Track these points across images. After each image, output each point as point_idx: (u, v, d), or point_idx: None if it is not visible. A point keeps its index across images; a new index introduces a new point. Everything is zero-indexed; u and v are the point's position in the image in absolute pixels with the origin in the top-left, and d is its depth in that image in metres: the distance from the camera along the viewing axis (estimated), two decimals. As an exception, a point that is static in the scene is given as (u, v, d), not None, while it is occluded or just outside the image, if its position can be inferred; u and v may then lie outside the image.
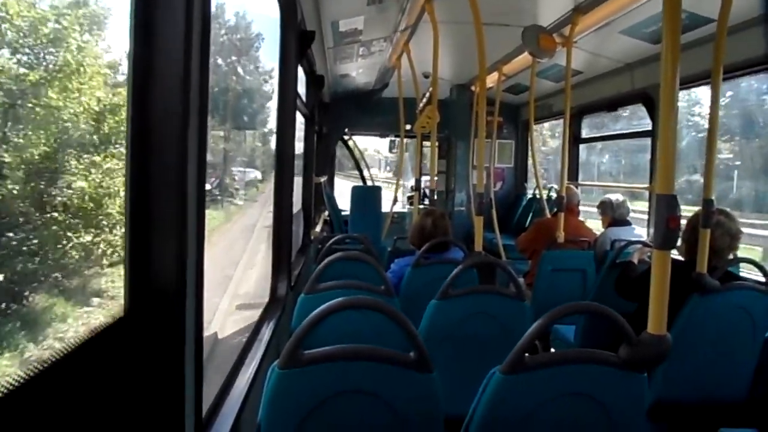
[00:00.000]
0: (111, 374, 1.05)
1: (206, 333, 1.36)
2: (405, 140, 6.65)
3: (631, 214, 4.25)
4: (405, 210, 7.46)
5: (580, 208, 4.82)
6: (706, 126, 2.71)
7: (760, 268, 2.55)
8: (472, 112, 6.16)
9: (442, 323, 2.25)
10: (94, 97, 1.80)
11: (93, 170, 1.79)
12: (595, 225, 4.67)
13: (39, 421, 0.82)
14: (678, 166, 1.78)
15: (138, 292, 1.10)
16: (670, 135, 1.69)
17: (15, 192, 1.46)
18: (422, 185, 5.58)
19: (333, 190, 7.61)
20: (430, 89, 4.66)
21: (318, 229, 6.19)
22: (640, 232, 4.13)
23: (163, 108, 1.09)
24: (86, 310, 1.71)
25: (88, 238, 1.76)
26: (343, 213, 6.58)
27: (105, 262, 1.81)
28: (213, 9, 1.29)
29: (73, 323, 1.62)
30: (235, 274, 4.50)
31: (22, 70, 1.50)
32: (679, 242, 2.70)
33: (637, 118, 5.42)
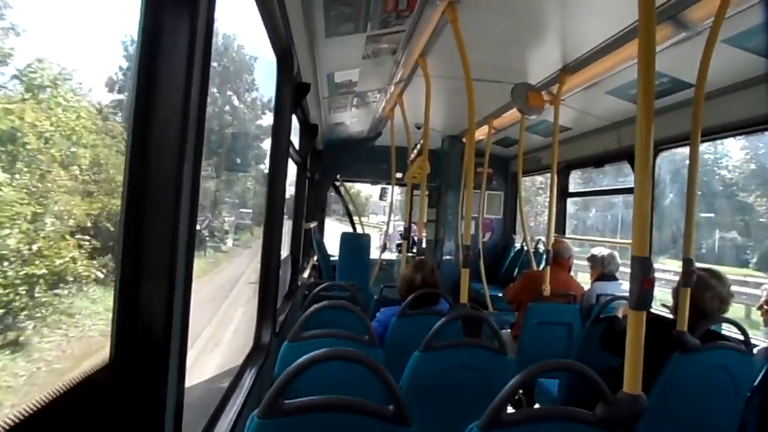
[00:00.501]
0: (94, 420, 1.04)
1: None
2: (396, 188, 6.72)
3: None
4: (394, 257, 7.47)
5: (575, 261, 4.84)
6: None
7: (739, 327, 2.57)
8: (463, 163, 6.27)
9: (424, 375, 2.23)
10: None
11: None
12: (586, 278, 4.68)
13: None
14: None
15: (124, 340, 1.10)
16: (645, 197, 1.74)
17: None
18: (411, 233, 5.60)
19: (323, 236, 7.61)
20: (422, 140, 4.76)
21: (306, 274, 6.16)
22: (627, 287, 4.14)
23: (158, 162, 1.12)
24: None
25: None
26: (332, 258, 6.57)
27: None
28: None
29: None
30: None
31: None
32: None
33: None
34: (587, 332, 3.36)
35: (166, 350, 1.14)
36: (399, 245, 6.97)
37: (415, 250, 5.56)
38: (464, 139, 6.67)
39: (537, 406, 3.67)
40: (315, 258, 6.96)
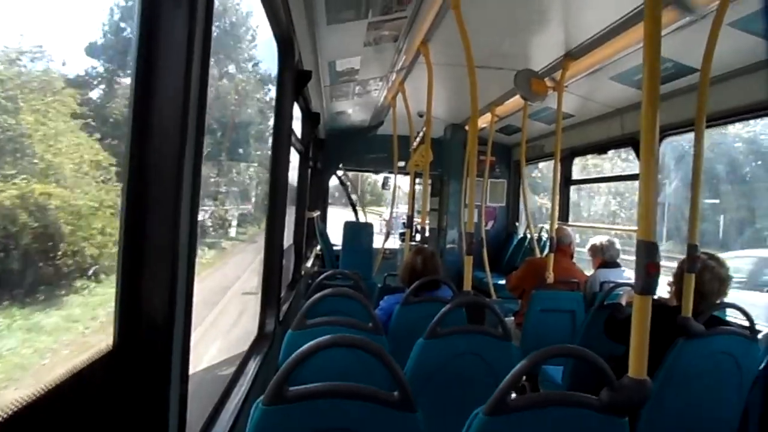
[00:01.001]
0: (96, 408, 1.04)
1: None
2: (399, 177, 6.72)
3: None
4: (397, 246, 7.48)
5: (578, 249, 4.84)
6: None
7: (745, 313, 2.57)
8: (466, 151, 6.25)
9: (429, 362, 2.23)
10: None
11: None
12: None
13: None
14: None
15: (127, 326, 1.10)
16: (651, 182, 1.72)
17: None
18: (414, 222, 5.60)
19: (326, 225, 7.62)
20: (424, 128, 4.74)
21: (309, 263, 6.17)
22: (630, 274, 4.15)
23: (160, 154, 1.12)
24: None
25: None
26: (335, 248, 6.58)
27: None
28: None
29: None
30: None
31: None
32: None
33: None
34: (591, 319, 3.36)
35: (169, 337, 1.14)
36: (402, 234, 6.98)
37: (418, 239, 5.57)
38: (467, 127, 6.66)
39: (541, 391, 3.68)
40: (318, 247, 6.97)
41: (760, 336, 2.52)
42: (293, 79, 3.12)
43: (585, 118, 5.10)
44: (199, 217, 1.24)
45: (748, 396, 2.49)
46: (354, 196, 8.11)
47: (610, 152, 5.55)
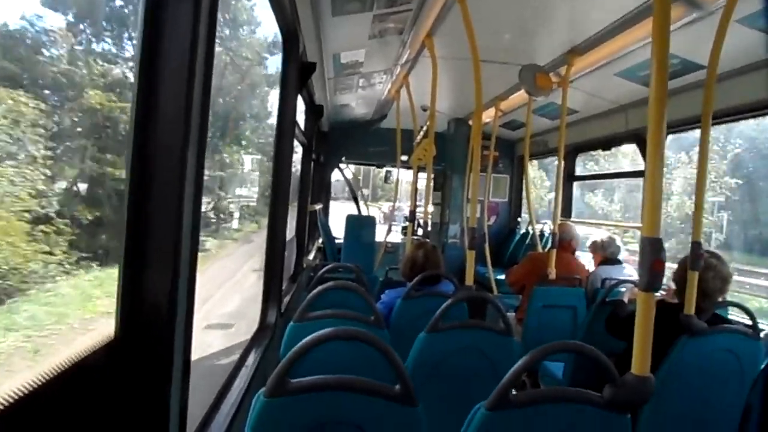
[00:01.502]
0: (97, 397, 1.04)
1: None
2: (401, 171, 6.71)
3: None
4: (399, 240, 7.48)
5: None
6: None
7: (747, 311, 2.57)
8: (469, 146, 6.24)
9: (430, 356, 2.24)
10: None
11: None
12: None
13: None
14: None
15: (129, 317, 1.10)
16: (657, 178, 1.71)
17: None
18: (417, 216, 5.60)
19: (328, 218, 7.62)
20: (428, 122, 4.72)
21: (311, 256, 6.18)
22: (631, 270, 4.15)
23: (163, 145, 1.12)
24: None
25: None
26: (337, 241, 6.58)
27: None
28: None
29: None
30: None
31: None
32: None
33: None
34: (592, 316, 3.36)
35: (171, 327, 1.14)
36: (404, 228, 6.98)
37: (420, 233, 5.58)
38: (470, 122, 6.64)
39: (542, 387, 3.69)
40: (320, 240, 6.97)
41: (762, 335, 2.52)
42: (297, 71, 3.11)
43: (589, 114, 5.08)
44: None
45: (749, 394, 2.49)
46: (365, 191, 8.10)
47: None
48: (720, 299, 2.62)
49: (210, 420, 1.79)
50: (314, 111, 4.99)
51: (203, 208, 1.34)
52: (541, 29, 3.72)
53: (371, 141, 7.44)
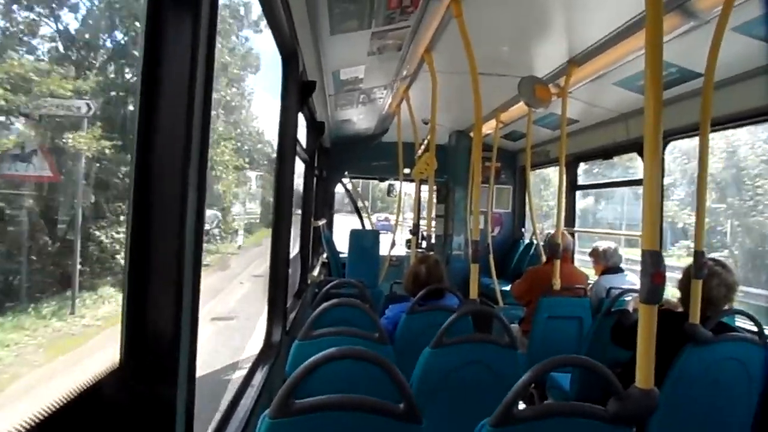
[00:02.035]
0: (104, 423, 1.05)
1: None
2: (404, 184, 6.72)
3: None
4: (403, 253, 7.47)
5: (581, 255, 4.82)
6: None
7: (752, 318, 2.55)
8: (471, 157, 6.25)
9: (435, 371, 2.23)
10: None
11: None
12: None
13: None
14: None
15: (134, 343, 1.11)
16: (655, 188, 1.71)
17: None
18: (420, 229, 5.60)
19: (332, 233, 7.62)
20: (429, 135, 4.74)
21: (316, 272, 6.18)
22: (633, 278, 4.14)
23: (164, 164, 1.13)
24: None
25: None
26: (341, 255, 6.58)
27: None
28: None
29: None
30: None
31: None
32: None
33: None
34: (598, 326, 3.34)
35: (175, 352, 1.15)
36: (408, 241, 6.98)
37: (424, 246, 5.58)
38: (471, 134, 6.65)
39: (549, 400, 3.66)
40: (324, 255, 6.97)
41: None
42: (298, 90, 3.14)
43: (590, 124, 5.09)
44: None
45: (758, 402, 2.46)
46: (361, 204, 8.11)
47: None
48: (726, 307, 2.61)
49: None
50: (316, 127, 5.02)
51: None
52: (539, 41, 3.75)
53: (373, 155, 7.46)
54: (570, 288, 4.11)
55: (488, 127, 5.79)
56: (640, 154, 4.45)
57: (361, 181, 8.25)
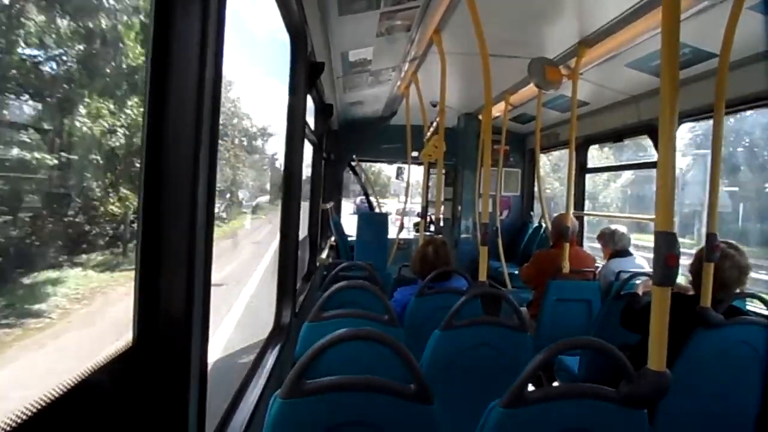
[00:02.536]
0: (117, 403, 1.06)
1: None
2: (412, 167, 6.70)
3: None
4: (411, 237, 7.48)
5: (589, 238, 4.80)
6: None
7: (764, 302, 2.53)
8: (479, 140, 6.21)
9: (445, 354, 2.24)
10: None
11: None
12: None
13: None
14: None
15: (146, 324, 1.12)
16: (669, 170, 1.69)
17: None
18: (428, 212, 5.60)
19: (340, 216, 7.64)
20: (438, 118, 4.71)
21: (324, 255, 6.20)
22: (642, 262, 4.12)
23: (175, 152, 1.13)
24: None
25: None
26: (349, 239, 6.60)
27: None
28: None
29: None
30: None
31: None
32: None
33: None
34: (608, 309, 3.34)
35: (188, 333, 1.16)
36: (416, 224, 6.98)
37: (432, 229, 5.58)
38: (480, 116, 6.61)
39: (557, 383, 3.67)
40: (332, 238, 6.99)
41: None
42: (306, 72, 3.12)
43: (600, 106, 5.04)
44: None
45: (767, 385, 2.46)
46: (368, 187, 8.11)
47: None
48: (738, 290, 2.59)
49: (228, 421, 1.80)
50: (324, 110, 5.01)
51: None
52: (550, 21, 3.69)
53: (381, 138, 7.44)
54: (579, 271, 4.10)
55: (497, 110, 5.75)
56: (651, 137, 4.42)
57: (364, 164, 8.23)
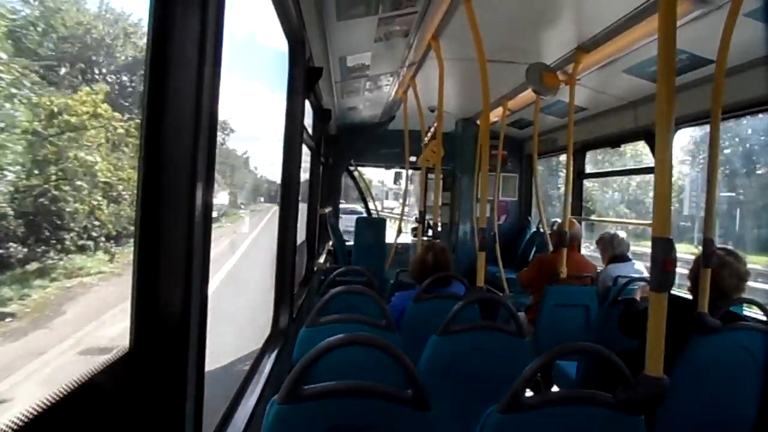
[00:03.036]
0: (114, 407, 1.06)
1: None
2: (410, 172, 6.70)
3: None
4: (409, 241, 7.47)
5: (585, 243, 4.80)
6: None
7: (762, 308, 2.54)
8: (477, 145, 6.22)
9: (442, 359, 2.24)
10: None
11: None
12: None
13: None
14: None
15: (144, 327, 1.11)
16: (666, 175, 1.69)
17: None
18: (426, 217, 5.59)
19: (338, 221, 7.63)
20: (435, 123, 4.72)
21: (322, 259, 6.19)
22: (640, 267, 4.13)
23: (173, 156, 1.13)
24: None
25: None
26: (347, 243, 6.59)
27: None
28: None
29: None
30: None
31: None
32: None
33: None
34: (605, 314, 3.34)
35: (185, 337, 1.16)
36: (414, 229, 6.98)
37: (430, 234, 5.58)
38: (478, 122, 6.62)
39: (555, 388, 3.67)
40: (330, 243, 6.98)
41: None
42: (304, 77, 3.13)
43: (598, 111, 5.05)
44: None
45: (765, 391, 2.46)
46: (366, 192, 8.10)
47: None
48: (737, 297, 2.59)
49: (225, 426, 1.80)
50: (322, 115, 5.01)
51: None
52: (548, 27, 3.71)
53: (380, 143, 7.44)
54: (577, 276, 4.10)
55: (495, 115, 5.75)
56: (648, 142, 4.43)
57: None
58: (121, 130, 2.97)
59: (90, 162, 2.79)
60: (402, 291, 3.28)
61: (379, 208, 7.71)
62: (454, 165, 7.24)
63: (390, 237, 6.40)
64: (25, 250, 2.44)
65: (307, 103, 3.47)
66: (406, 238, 7.44)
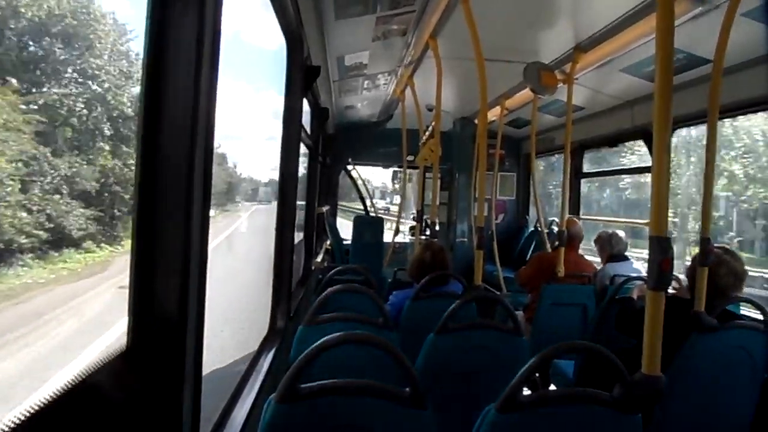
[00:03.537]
0: (111, 407, 1.06)
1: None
2: (408, 171, 6.70)
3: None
4: (407, 240, 7.47)
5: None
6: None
7: (759, 307, 2.54)
8: (475, 144, 6.22)
9: (439, 357, 2.24)
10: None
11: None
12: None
13: None
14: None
15: (141, 326, 1.11)
16: (664, 174, 1.70)
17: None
18: (424, 216, 5.59)
19: (335, 220, 7.62)
20: (433, 122, 4.72)
21: (319, 258, 6.19)
22: (638, 266, 4.13)
23: (170, 154, 1.13)
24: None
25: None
26: (345, 242, 6.59)
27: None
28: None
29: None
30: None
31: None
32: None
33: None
34: (602, 313, 3.34)
35: (182, 336, 1.15)
36: (412, 228, 6.98)
37: (428, 233, 5.59)
38: (476, 121, 6.62)
39: (552, 387, 3.68)
40: (328, 242, 6.98)
41: None
42: (302, 76, 3.12)
43: (595, 111, 5.06)
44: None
45: (761, 390, 2.47)
46: (363, 190, 8.09)
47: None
48: (734, 296, 2.60)
49: (222, 425, 1.79)
50: (320, 114, 5.01)
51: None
52: (546, 26, 3.71)
53: (377, 142, 7.43)
54: (575, 275, 4.11)
55: (493, 114, 5.75)
56: (645, 142, 4.44)
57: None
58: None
59: None
60: (399, 290, 3.28)
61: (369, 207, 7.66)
62: (452, 164, 7.25)
63: (387, 236, 6.40)
64: None
65: (304, 101, 3.47)
66: (404, 237, 7.44)
